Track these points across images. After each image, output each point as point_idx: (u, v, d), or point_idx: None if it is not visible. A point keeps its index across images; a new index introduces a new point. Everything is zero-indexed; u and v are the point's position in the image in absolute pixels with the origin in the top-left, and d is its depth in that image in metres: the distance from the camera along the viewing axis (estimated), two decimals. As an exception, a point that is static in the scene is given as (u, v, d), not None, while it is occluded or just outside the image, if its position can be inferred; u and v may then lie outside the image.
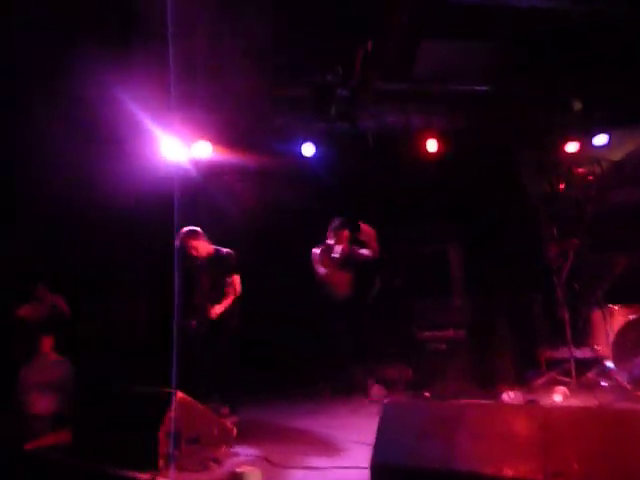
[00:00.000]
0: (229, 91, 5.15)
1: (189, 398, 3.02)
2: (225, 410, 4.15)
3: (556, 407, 2.65)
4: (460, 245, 5.52)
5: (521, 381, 4.60)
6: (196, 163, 5.43)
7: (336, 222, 5.10)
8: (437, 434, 1.92)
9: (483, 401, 3.24)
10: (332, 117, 5.62)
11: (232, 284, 4.27)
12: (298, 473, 2.57)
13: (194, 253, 4.31)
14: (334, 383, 5.00)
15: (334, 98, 5.50)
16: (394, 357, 5.08)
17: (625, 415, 1.82)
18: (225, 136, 5.46)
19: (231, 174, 5.81)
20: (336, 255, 4.97)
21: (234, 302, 4.25)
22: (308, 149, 5.66)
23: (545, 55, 5.03)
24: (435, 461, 1.87)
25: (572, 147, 5.79)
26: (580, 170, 5.62)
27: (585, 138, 5.70)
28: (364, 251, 4.96)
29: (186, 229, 4.27)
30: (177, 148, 5.17)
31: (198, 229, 4.35)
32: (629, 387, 3.79)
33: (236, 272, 4.32)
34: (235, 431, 3.34)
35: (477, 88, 5.50)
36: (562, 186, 5.63)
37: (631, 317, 3.98)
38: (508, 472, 1.71)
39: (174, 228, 4.11)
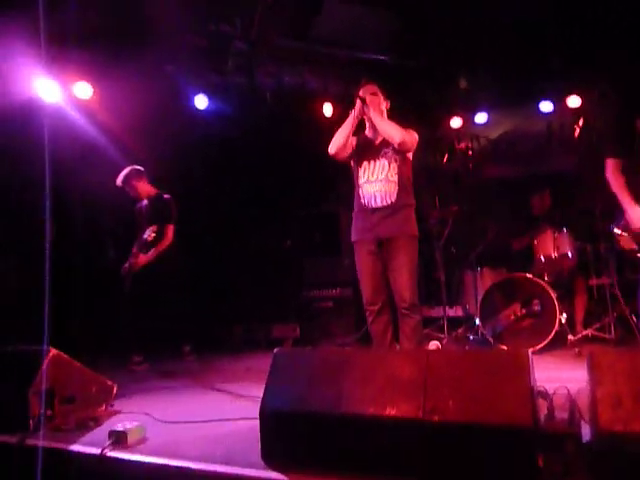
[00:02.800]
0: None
1: (64, 355, 2.80)
2: (138, 358, 4.13)
3: (436, 351, 2.86)
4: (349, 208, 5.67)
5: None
6: (76, 104, 4.93)
7: None
8: (326, 379, 1.97)
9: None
10: (228, 70, 5.42)
11: (165, 234, 4.09)
12: (185, 427, 2.52)
13: (132, 194, 4.14)
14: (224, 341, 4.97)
15: (231, 50, 5.31)
16: (282, 315, 5.16)
17: (491, 356, 1.99)
18: (108, 79, 5.01)
19: (114, 120, 5.36)
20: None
21: (165, 253, 4.10)
22: (201, 101, 5.41)
23: (438, 31, 5.27)
24: (323, 405, 1.93)
25: (456, 123, 6.17)
26: (461, 145, 6.03)
27: (467, 115, 6.10)
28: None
29: (129, 168, 4.09)
30: (53, 88, 4.65)
31: (141, 169, 4.13)
32: (492, 341, 4.23)
33: (172, 221, 4.17)
34: (115, 388, 3.19)
35: (375, 57, 5.60)
36: (445, 159, 6.00)
37: (497, 279, 4.40)
38: (390, 411, 1.82)
39: (46, 172, 3.71)
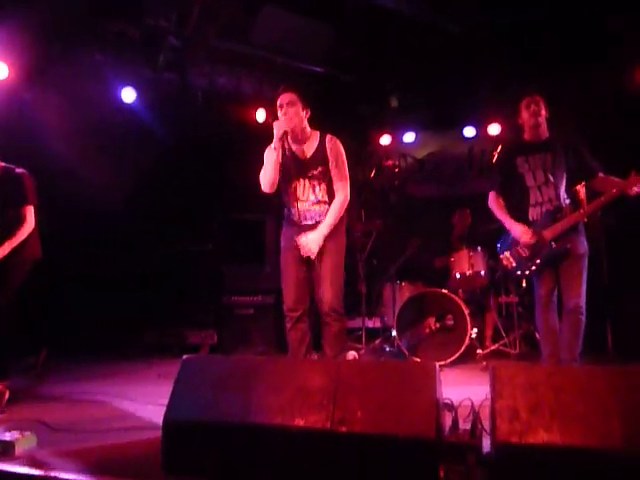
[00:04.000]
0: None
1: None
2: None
3: (347, 361, 2.87)
4: (277, 217, 5.64)
5: (319, 348, 4.92)
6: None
7: None
8: (235, 388, 1.91)
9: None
10: (160, 66, 5.25)
11: (23, 218, 3.23)
12: (82, 437, 2.35)
13: None
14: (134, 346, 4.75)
15: (164, 45, 5.15)
16: (199, 321, 5.01)
17: (400, 368, 2.01)
18: (27, 60, 4.68)
19: (31, 104, 4.99)
20: None
21: (25, 242, 3.22)
22: (129, 94, 5.20)
23: (373, 49, 5.41)
24: (230, 415, 1.87)
25: (385, 140, 6.35)
26: (389, 162, 6.20)
27: (396, 133, 6.30)
28: None
29: None
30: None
31: None
32: (407, 353, 4.34)
33: (29, 202, 3.27)
34: (7, 394, 2.94)
35: (311, 68, 5.64)
36: (372, 174, 6.14)
37: (415, 292, 4.54)
38: (299, 422, 1.80)
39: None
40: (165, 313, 5.04)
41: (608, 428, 1.66)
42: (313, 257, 2.95)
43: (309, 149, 3.11)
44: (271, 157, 3.01)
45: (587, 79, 4.86)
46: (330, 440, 1.75)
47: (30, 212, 3.28)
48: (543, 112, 3.20)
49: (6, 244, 3.16)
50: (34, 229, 3.31)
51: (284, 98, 3.06)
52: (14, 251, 3.19)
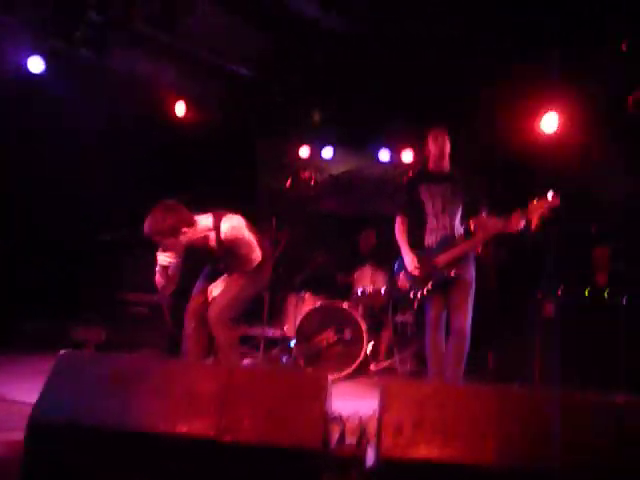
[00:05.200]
0: None
1: None
2: None
3: (238, 367, 2.81)
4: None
5: (212, 353, 4.80)
6: None
7: None
8: (114, 389, 1.79)
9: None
10: (76, 40, 4.91)
11: None
12: None
13: None
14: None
15: (83, 19, 4.83)
16: (88, 317, 4.67)
17: (292, 377, 2.00)
18: None
19: None
20: None
21: None
22: (36, 64, 4.80)
23: (301, 61, 5.46)
24: (105, 419, 1.74)
25: (304, 152, 6.40)
26: (306, 174, 6.26)
27: (315, 147, 6.38)
28: None
29: None
30: None
31: None
32: (302, 363, 4.35)
33: None
34: None
35: (240, 70, 5.57)
36: (288, 184, 6.15)
37: (317, 304, 4.58)
38: (182, 428, 1.72)
39: None
40: (51, 304, 4.65)
41: (483, 445, 1.75)
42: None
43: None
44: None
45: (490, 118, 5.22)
46: (214, 449, 1.69)
47: None
48: (447, 146, 3.42)
49: None
50: None
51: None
52: None
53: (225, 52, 5.38)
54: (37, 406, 1.75)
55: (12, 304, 4.54)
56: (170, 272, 2.94)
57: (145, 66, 5.34)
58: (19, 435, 1.75)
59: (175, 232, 2.81)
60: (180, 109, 5.57)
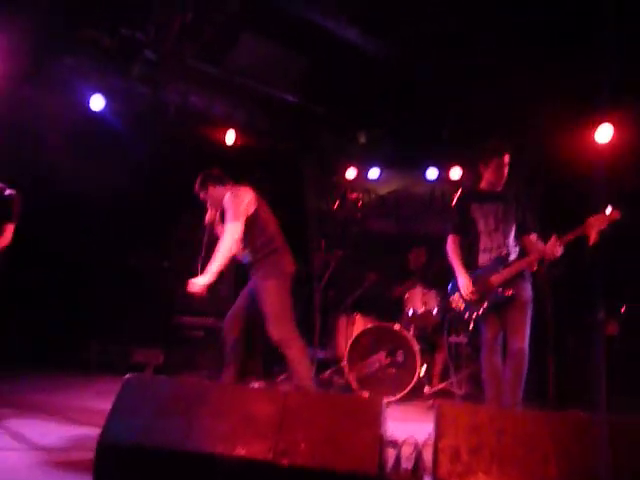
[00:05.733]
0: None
1: None
2: None
3: (294, 392, 2.84)
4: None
5: (268, 375, 4.87)
6: None
7: None
8: (176, 412, 1.86)
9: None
10: (134, 76, 5.22)
11: (3, 233, 3.49)
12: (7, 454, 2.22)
13: None
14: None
15: (139, 57, 5.13)
16: (149, 340, 4.86)
17: (347, 401, 2.02)
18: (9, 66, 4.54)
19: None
20: None
21: None
22: (97, 102, 5.13)
23: (345, 84, 5.56)
24: (169, 441, 1.81)
25: (351, 174, 6.46)
26: (353, 195, 6.31)
27: (362, 168, 6.43)
28: None
29: None
30: None
31: None
32: (355, 386, 4.33)
33: (13, 220, 3.55)
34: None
35: (285, 96, 5.73)
36: (335, 206, 6.22)
37: (368, 325, 4.56)
38: (240, 451, 1.76)
39: None
40: (112, 329, 4.87)
41: (544, 472, 1.70)
42: (193, 293, 3.27)
43: None
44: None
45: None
46: (271, 471, 1.72)
47: (10, 230, 3.54)
48: (506, 173, 3.36)
49: None
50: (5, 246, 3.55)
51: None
52: None
53: (270, 80, 5.56)
54: (105, 428, 1.84)
55: (78, 330, 4.77)
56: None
57: (196, 98, 5.60)
58: (90, 455, 1.84)
59: (203, 185, 3.48)
60: (230, 137, 5.77)
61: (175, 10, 4.74)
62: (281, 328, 3.19)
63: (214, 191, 3.44)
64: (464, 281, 3.31)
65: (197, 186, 3.52)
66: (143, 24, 4.86)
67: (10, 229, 3.52)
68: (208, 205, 3.53)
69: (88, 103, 5.09)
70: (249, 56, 5.22)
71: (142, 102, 5.39)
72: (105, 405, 1.93)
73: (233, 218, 3.27)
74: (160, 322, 4.86)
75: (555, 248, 3.11)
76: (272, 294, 3.22)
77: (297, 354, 3.20)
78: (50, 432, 2.66)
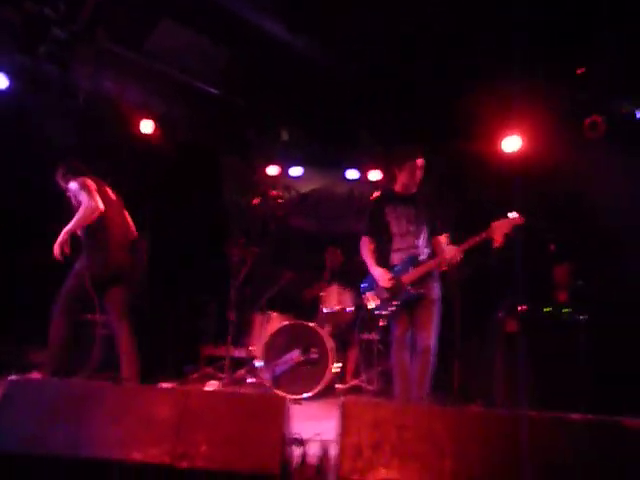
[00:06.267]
0: None
1: None
2: None
3: (194, 391, 2.73)
4: (149, 232, 5.36)
5: (179, 375, 4.72)
6: None
7: None
8: (68, 416, 1.73)
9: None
10: (40, 55, 4.84)
11: None
12: None
13: None
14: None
15: (48, 35, 4.77)
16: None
17: (249, 400, 1.97)
18: None
19: None
20: None
21: None
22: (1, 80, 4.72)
23: (268, 79, 5.50)
24: (59, 447, 1.69)
25: (273, 171, 6.41)
26: (274, 192, 6.26)
27: (284, 165, 6.40)
28: None
29: None
30: None
31: None
32: (268, 384, 4.30)
33: None
34: None
35: (206, 87, 5.56)
36: (256, 202, 6.14)
37: (283, 323, 4.54)
38: (137, 456, 1.67)
39: None
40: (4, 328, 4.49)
41: (441, 466, 1.76)
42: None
43: None
44: None
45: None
46: (169, 476, 1.64)
47: None
48: (420, 176, 3.47)
49: None
50: None
51: None
52: None
53: (192, 70, 5.37)
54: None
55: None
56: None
57: (109, 83, 5.30)
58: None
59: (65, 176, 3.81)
60: (147, 127, 5.52)
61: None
62: None
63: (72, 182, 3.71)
64: (379, 271, 3.40)
65: (59, 176, 3.84)
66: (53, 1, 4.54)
67: None
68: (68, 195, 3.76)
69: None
70: (169, 42, 5.01)
71: (49, 84, 5.02)
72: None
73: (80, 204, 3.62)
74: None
75: (454, 254, 3.26)
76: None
77: None
78: None
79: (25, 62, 4.85)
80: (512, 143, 5.07)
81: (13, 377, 1.80)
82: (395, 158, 3.55)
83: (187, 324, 5.27)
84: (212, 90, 5.61)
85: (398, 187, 3.54)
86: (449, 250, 3.30)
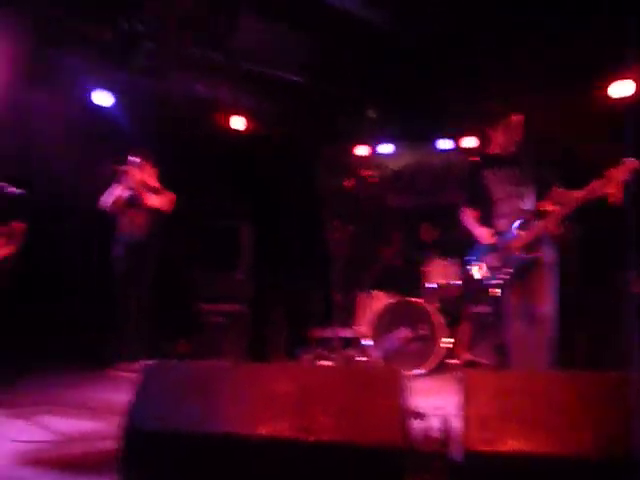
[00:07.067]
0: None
1: None
2: None
3: (310, 367, 2.81)
4: (252, 225, 5.59)
5: (291, 357, 4.88)
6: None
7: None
8: (197, 396, 1.85)
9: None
10: (136, 69, 5.18)
11: (13, 234, 3.39)
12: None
13: None
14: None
15: (140, 49, 5.09)
16: (173, 330, 4.89)
17: (364, 374, 1.97)
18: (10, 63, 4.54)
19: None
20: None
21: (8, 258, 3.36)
22: (103, 98, 5.12)
23: (354, 62, 5.44)
24: (192, 424, 1.81)
25: (362, 151, 6.37)
26: (366, 172, 6.21)
27: (374, 144, 6.32)
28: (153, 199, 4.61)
29: None
30: None
31: None
32: (380, 362, 4.30)
33: (22, 219, 3.45)
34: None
35: (291, 77, 5.63)
36: (349, 184, 6.13)
37: (389, 301, 4.51)
38: (262, 430, 1.74)
39: None
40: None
41: (578, 435, 1.64)
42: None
43: None
44: None
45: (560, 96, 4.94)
46: (295, 449, 1.69)
47: (20, 230, 3.45)
48: (520, 134, 3.22)
49: None
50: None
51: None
52: None
53: (274, 62, 5.46)
54: (129, 416, 1.84)
55: (99, 324, 4.80)
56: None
57: (200, 85, 5.54)
58: (111, 444, 1.85)
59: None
60: (239, 124, 5.72)
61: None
62: None
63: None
64: (481, 230, 3.23)
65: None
66: (140, 15, 4.81)
67: (20, 230, 3.44)
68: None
69: (89, 100, 5.09)
70: (252, 39, 5.12)
71: (146, 93, 5.36)
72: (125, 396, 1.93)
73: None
74: (182, 311, 4.87)
75: (602, 187, 2.80)
76: None
77: None
78: (73, 424, 2.70)
79: (123, 77, 5.20)
80: (622, 88, 4.59)
81: (148, 363, 1.95)
82: (487, 118, 3.34)
83: (294, 307, 5.42)
84: (296, 78, 5.67)
85: (495, 149, 3.32)
86: (596, 184, 2.87)
